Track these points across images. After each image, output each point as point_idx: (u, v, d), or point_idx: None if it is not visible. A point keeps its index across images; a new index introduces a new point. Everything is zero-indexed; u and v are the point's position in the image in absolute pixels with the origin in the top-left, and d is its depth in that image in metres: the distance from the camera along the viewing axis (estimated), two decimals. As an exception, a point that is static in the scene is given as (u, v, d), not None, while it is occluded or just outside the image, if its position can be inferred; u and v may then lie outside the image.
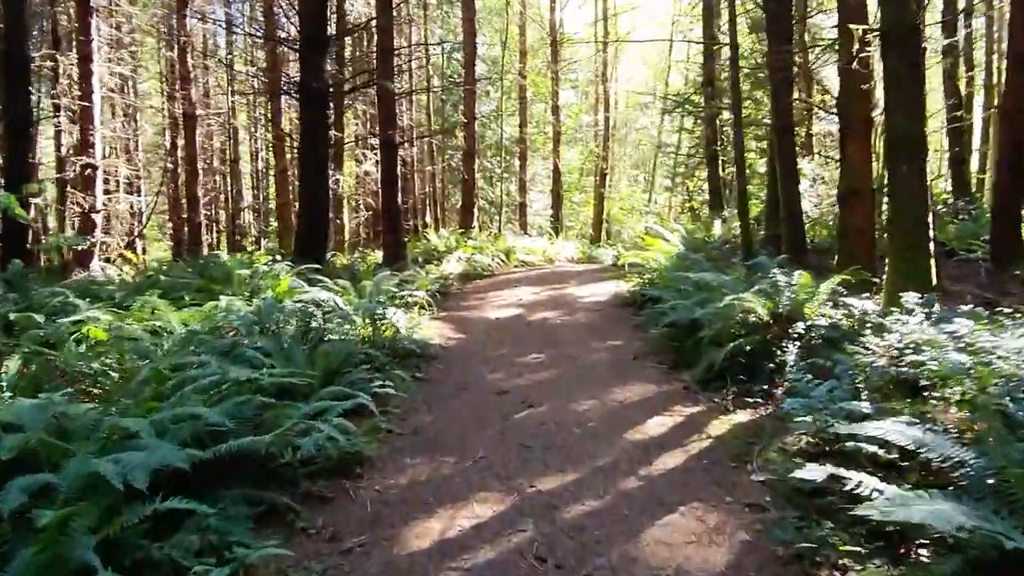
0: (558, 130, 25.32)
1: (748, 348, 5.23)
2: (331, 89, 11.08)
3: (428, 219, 25.82)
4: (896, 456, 3.34)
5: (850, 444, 3.46)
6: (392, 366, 5.81)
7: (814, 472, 2.90)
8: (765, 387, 5.00)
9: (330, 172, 13.24)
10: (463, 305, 10.03)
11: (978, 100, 19.16)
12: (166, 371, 4.16)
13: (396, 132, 14.65)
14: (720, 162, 17.47)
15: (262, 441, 3.40)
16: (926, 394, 3.95)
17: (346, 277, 8.71)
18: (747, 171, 22.23)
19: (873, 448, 3.33)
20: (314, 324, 6.09)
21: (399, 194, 14.84)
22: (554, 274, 14.48)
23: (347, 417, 4.15)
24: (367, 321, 6.52)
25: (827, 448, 3.77)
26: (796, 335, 5.13)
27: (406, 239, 18.40)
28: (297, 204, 13.35)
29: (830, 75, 14.63)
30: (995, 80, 17.20)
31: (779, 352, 5.13)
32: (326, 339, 5.68)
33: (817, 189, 17.81)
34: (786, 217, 10.78)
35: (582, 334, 7.66)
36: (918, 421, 3.19)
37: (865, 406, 3.77)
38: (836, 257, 7.68)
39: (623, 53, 35.67)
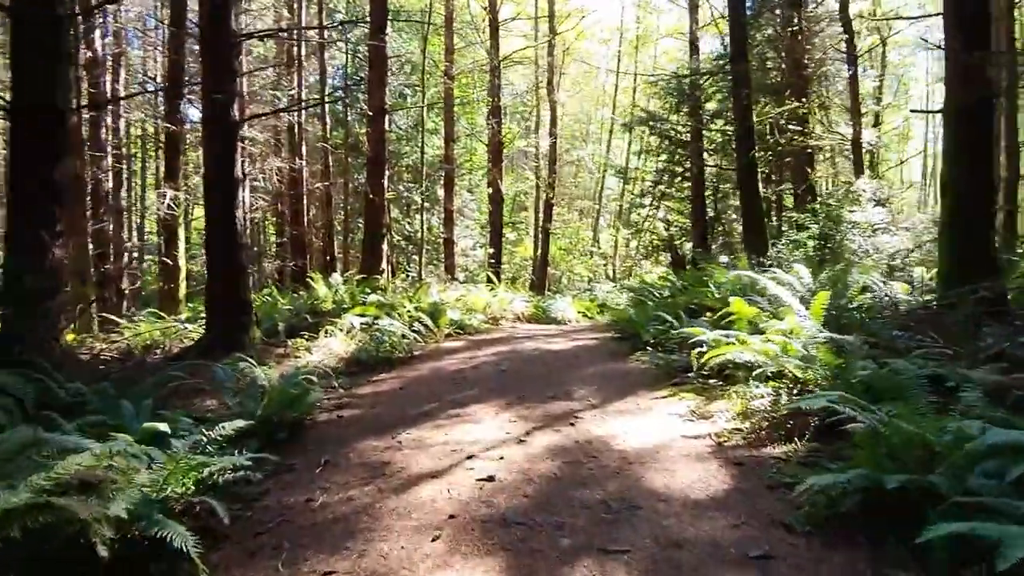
0: (499, 139, 18.86)
1: None
2: None
3: (329, 258, 18.80)
4: None
5: None
6: None
7: None
8: None
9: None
10: (321, 519, 3.35)
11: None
12: None
13: (233, 96, 7.82)
14: (761, 177, 11.59)
15: None
16: None
17: None
18: (754, 201, 16.58)
19: None
20: None
21: (238, 211, 7.91)
22: (524, 359, 7.92)
23: None
24: None
25: None
26: None
27: (256, 293, 11.43)
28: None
29: None
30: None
31: None
32: None
33: (912, 220, 12.33)
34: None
35: None
36: None
37: None
38: None
39: (567, 66, 30.25)
